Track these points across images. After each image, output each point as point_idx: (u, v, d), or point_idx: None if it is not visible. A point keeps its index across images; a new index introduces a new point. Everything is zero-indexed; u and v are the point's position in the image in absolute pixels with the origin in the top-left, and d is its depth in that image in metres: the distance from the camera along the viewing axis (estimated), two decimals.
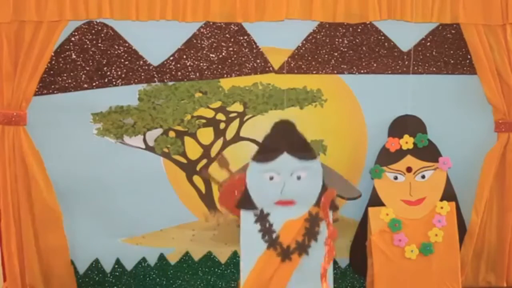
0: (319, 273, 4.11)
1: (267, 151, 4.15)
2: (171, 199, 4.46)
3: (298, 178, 4.14)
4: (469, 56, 4.43)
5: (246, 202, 4.13)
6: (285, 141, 4.14)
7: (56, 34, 4.14)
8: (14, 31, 4.12)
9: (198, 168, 4.45)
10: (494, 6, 4.25)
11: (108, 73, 4.29)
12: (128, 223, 4.44)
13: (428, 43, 4.42)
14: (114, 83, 4.31)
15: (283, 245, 4.12)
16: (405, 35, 4.37)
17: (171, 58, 4.31)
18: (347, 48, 4.39)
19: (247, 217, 4.13)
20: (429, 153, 4.39)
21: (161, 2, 4.11)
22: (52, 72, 4.25)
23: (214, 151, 4.45)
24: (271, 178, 4.13)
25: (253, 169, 4.13)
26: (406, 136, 4.38)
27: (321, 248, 4.14)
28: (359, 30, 4.38)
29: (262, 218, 4.12)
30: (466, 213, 4.51)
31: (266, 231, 4.13)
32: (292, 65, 4.38)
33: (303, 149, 4.18)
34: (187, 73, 4.34)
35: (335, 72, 4.42)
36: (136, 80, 4.32)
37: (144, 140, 4.39)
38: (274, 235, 4.13)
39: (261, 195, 4.13)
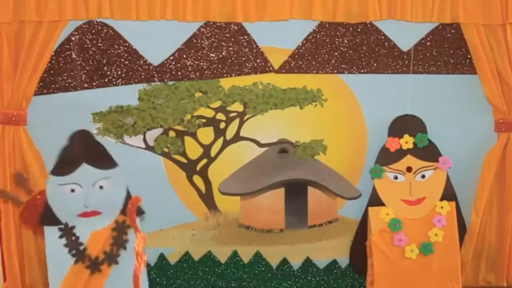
0: (131, 281, 3.95)
1: (65, 163, 4.01)
2: (171, 199, 4.46)
3: (101, 187, 4.04)
4: (469, 56, 4.43)
5: (48, 217, 3.98)
6: (82, 151, 4.04)
7: (56, 34, 4.15)
8: (14, 31, 4.13)
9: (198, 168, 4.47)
10: (494, 6, 4.25)
11: (108, 72, 4.30)
12: None
13: (428, 43, 4.42)
14: (114, 82, 4.31)
15: (91, 257, 3.99)
16: (405, 35, 4.37)
17: (171, 58, 4.32)
18: (347, 47, 4.39)
19: (51, 233, 3.98)
20: (429, 153, 4.39)
21: (161, 2, 4.12)
22: (52, 72, 4.25)
23: (214, 151, 4.45)
24: (73, 191, 4.01)
25: (52, 183, 4.00)
26: (406, 136, 4.38)
27: (131, 255, 3.98)
28: (359, 30, 4.38)
29: (67, 232, 4.00)
30: (466, 213, 4.51)
31: (73, 245, 3.99)
32: (292, 64, 4.38)
33: (102, 158, 4.08)
34: (187, 73, 4.34)
35: (335, 71, 4.42)
36: (136, 80, 4.32)
37: (144, 140, 4.40)
38: (81, 248, 4.00)
39: (64, 208, 3.99)
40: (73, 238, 4.00)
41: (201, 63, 4.34)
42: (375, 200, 4.40)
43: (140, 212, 4.06)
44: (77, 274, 3.98)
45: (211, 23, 4.29)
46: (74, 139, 4.05)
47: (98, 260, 4.01)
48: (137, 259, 3.95)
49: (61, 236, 3.99)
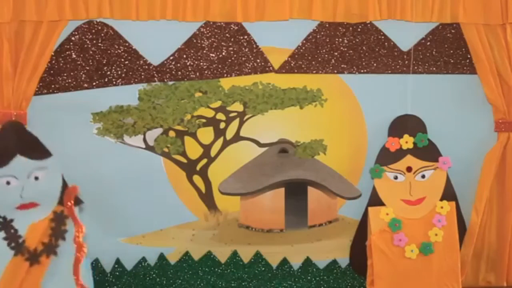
0: (71, 272, 3.93)
1: None
2: (171, 199, 4.46)
3: (36, 178, 4.02)
4: (469, 56, 4.43)
5: None
6: (15, 143, 4.00)
7: (56, 34, 4.15)
8: (14, 31, 4.13)
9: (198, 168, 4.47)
10: (494, 5, 4.25)
11: (108, 72, 4.30)
12: (128, 222, 4.45)
13: (428, 43, 4.42)
14: (114, 82, 4.31)
15: (30, 249, 3.95)
16: (405, 34, 4.37)
17: (171, 58, 4.32)
18: (347, 47, 4.39)
19: None
20: (429, 152, 4.39)
21: (161, 2, 4.13)
22: (52, 71, 4.25)
23: (214, 151, 4.45)
24: (8, 183, 3.98)
25: None
26: (406, 136, 4.38)
27: (71, 246, 3.97)
28: (359, 29, 4.38)
29: (5, 225, 3.97)
30: (466, 213, 4.51)
31: (11, 237, 3.96)
32: (292, 64, 4.38)
33: (36, 148, 4.05)
34: (187, 73, 4.35)
35: (335, 71, 4.43)
36: (136, 80, 4.32)
37: (144, 140, 4.40)
38: (20, 241, 3.96)
39: (1, 201, 3.97)
40: (12, 231, 3.98)
41: (201, 63, 4.34)
42: (375, 200, 4.40)
43: (78, 201, 4.05)
44: (16, 267, 3.96)
45: (211, 23, 4.29)
46: (5, 131, 4.02)
47: (37, 252, 3.98)
48: (77, 249, 3.93)
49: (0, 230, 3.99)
